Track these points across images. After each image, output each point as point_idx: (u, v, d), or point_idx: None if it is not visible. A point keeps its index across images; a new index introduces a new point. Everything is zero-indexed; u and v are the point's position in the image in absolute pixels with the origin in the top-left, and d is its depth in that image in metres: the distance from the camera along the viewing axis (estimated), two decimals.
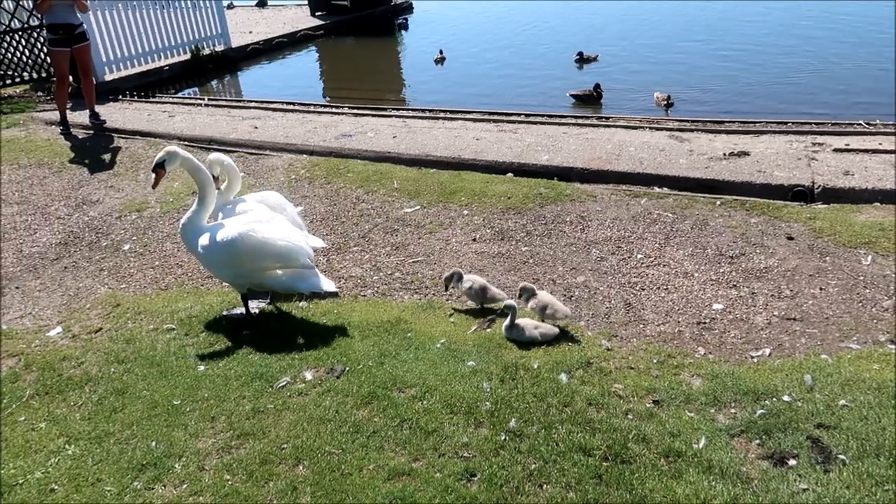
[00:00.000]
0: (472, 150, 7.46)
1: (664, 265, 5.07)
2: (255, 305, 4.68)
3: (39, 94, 11.33)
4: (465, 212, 6.16)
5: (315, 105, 10.23)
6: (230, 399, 3.69)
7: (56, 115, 9.58)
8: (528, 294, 4.29)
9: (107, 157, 8.36)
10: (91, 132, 9.32)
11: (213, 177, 4.92)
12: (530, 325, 4.14)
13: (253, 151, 8.14)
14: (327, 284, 4.32)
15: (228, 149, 8.14)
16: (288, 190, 6.83)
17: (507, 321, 4.15)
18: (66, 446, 3.44)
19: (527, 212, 6.04)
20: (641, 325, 4.37)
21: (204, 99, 11.03)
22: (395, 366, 3.88)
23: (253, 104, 10.47)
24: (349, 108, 9.83)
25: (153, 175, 4.37)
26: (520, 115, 8.81)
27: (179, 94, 12.09)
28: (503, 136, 7.91)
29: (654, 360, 3.92)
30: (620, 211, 5.94)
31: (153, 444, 3.39)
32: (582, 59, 12.50)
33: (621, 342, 4.19)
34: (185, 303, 4.94)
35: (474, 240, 5.68)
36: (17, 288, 5.47)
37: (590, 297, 4.73)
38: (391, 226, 6.03)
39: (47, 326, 4.84)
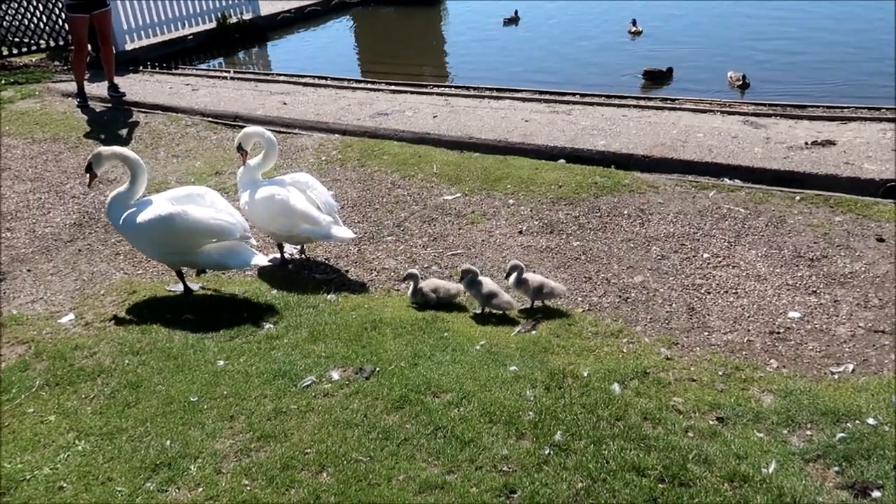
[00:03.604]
0: (520, 133, 7.42)
1: (734, 266, 4.98)
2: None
3: (56, 63, 11.64)
4: (511, 201, 6.13)
5: (349, 80, 10.30)
6: (251, 398, 3.75)
7: (73, 87, 9.82)
8: (518, 273, 4.52)
9: (125, 132, 8.56)
10: (109, 105, 9.55)
11: (243, 150, 5.25)
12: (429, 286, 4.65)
13: (281, 129, 8.23)
14: (259, 259, 4.81)
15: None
16: (318, 172, 6.91)
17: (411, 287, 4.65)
18: (77, 441, 3.54)
19: (580, 203, 6.00)
20: (706, 333, 4.31)
21: (230, 71, 11.20)
22: (430, 368, 3.89)
23: (282, 78, 10.58)
24: (386, 84, 9.87)
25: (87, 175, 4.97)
26: (574, 94, 8.73)
27: (203, 66, 12.29)
28: (555, 118, 7.85)
29: (720, 373, 3.86)
30: (685, 204, 5.85)
31: (168, 442, 3.46)
32: (634, 31, 12.38)
33: (682, 351, 4.14)
34: (206, 292, 5.03)
35: (520, 232, 5.66)
36: (28, 271, 5.64)
37: (648, 300, 4.68)
38: (429, 214, 6.04)
39: (59, 312, 4.99)
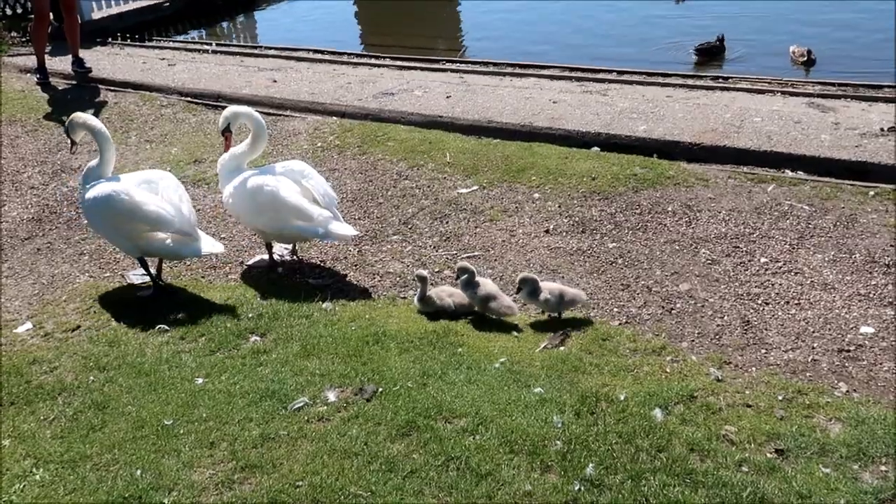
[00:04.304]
0: (547, 116, 7.41)
1: (796, 273, 4.96)
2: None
3: (13, 34, 11.74)
4: (537, 195, 6.13)
5: (349, 54, 10.32)
6: (234, 421, 3.76)
7: (32, 61, 9.90)
8: (529, 287, 4.57)
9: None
10: (73, 82, 9.63)
11: (229, 132, 5.33)
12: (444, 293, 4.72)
13: (270, 111, 8.26)
14: (210, 246, 5.01)
15: None
16: (312, 161, 6.93)
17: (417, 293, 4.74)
18: (34, 470, 3.55)
19: (616, 197, 5.99)
20: (763, 351, 4.29)
21: (211, 44, 11.26)
22: (441, 389, 3.89)
23: (272, 52, 10.63)
24: (392, 58, 9.89)
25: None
26: (610, 71, 8.71)
27: (181, 38, 12.38)
28: (588, 99, 7.83)
29: (779, 397, 3.84)
30: (740, 200, 5.82)
31: (138, 472, 3.47)
32: None
33: (736, 371, 4.12)
34: (183, 298, 5.05)
35: (547, 231, 5.65)
36: None
37: (695, 311, 4.66)
38: (441, 210, 6.04)
39: (15, 321, 5.02)
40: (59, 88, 9.45)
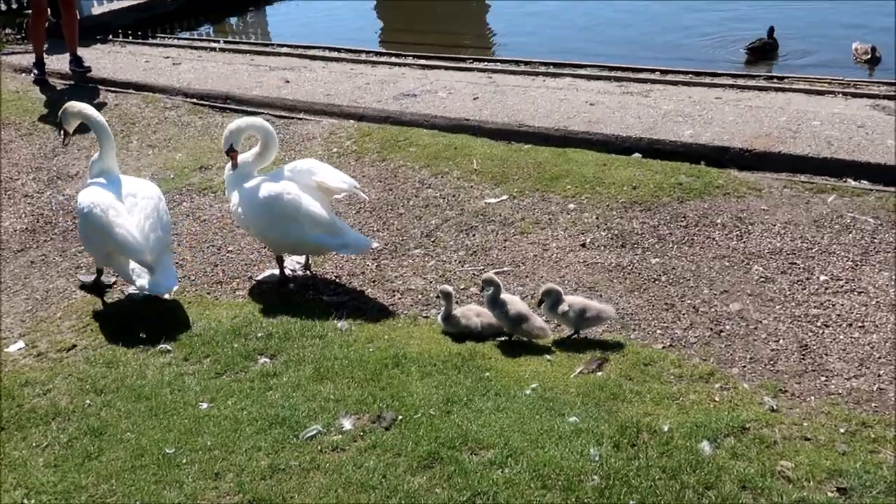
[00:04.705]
0: (583, 120, 7.41)
1: (860, 292, 4.90)
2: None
3: (7, 30, 11.93)
4: (572, 206, 6.12)
5: (368, 52, 10.39)
6: (241, 450, 3.77)
7: (28, 60, 10.04)
8: (552, 299, 4.57)
9: None
10: (71, 82, 9.76)
11: (231, 150, 5.30)
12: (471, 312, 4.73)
13: (282, 114, 8.33)
14: (170, 289, 5.10)
15: (250, 109, 8.37)
16: None
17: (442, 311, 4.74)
18: (25, 501, 3.57)
19: (659, 208, 5.96)
20: (823, 378, 4.24)
21: (219, 41, 11.38)
22: (467, 417, 3.88)
23: (284, 50, 10.72)
24: (414, 57, 9.93)
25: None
26: (653, 71, 8.70)
27: (187, 35, 12.50)
28: (628, 101, 7.82)
29: (842, 430, 3.79)
30: (796, 212, 5.78)
31: None
32: None
33: (792, 400, 4.07)
34: (186, 316, 5.09)
35: (583, 245, 5.64)
36: None
37: (747, 334, 4.62)
38: (467, 222, 6.05)
39: (6, 339, 5.08)
40: (57, 89, 9.57)
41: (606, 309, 4.65)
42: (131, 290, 5.39)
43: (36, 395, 4.39)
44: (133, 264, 5.02)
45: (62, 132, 5.60)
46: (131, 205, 5.10)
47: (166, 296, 5.29)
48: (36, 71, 9.73)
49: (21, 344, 4.99)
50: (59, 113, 5.49)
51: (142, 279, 4.99)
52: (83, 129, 5.80)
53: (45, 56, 9.90)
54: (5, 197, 7.14)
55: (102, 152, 5.32)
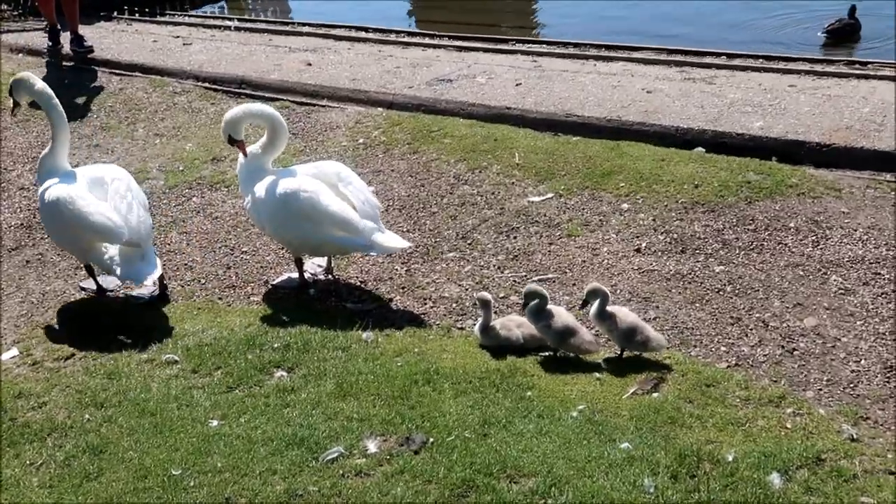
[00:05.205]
0: (639, 109, 7.38)
1: None
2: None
3: (4, 6, 12.10)
4: (626, 205, 6.10)
5: (398, 32, 10.42)
6: (254, 473, 3.79)
7: (25, 38, 10.16)
8: (600, 302, 4.57)
9: (92, 101, 8.84)
10: (72, 63, 9.86)
11: (234, 140, 5.38)
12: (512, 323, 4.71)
13: (303, 100, 8.38)
14: (150, 276, 5.16)
15: (267, 95, 8.43)
16: (352, 161, 7.00)
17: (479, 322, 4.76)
18: None
19: (725, 210, 5.92)
20: None
21: (234, 20, 11.48)
22: (506, 441, 3.87)
23: (306, 29, 10.79)
24: (450, 38, 9.95)
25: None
26: (718, 55, 8.64)
27: (199, 11, 12.62)
28: (690, 88, 7.77)
29: None
30: (881, 215, 5.73)
31: None
32: None
33: (875, 429, 4.02)
34: (195, 323, 5.13)
35: (638, 250, 5.62)
36: None
37: (824, 353, 4.58)
38: (507, 222, 6.05)
39: None
40: (56, 72, 9.67)
41: (657, 338, 4.59)
42: (137, 292, 5.50)
43: (31, 408, 4.44)
44: (112, 254, 5.17)
45: (12, 102, 5.67)
46: (100, 190, 5.27)
47: (148, 286, 5.42)
48: (50, 43, 9.83)
49: (15, 351, 5.05)
50: (12, 81, 5.57)
51: (118, 269, 5.16)
52: (89, 115, 5.91)
53: (39, 35, 9.96)
54: None
55: (55, 144, 5.41)
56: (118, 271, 5.16)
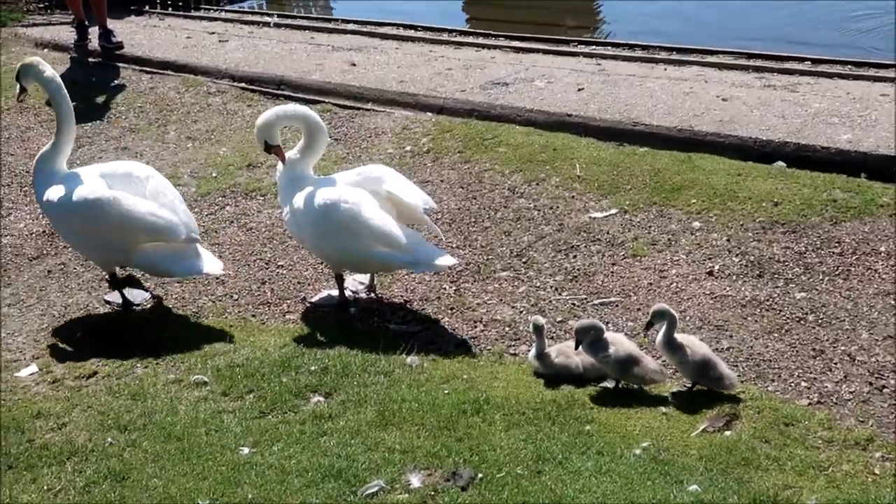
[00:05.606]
0: (713, 118, 7.34)
1: None
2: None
3: None
4: (697, 224, 6.06)
5: (450, 31, 10.45)
6: None
7: (51, 32, 10.32)
8: (667, 328, 4.50)
9: (120, 101, 8.98)
10: (99, 60, 10.02)
11: (270, 146, 5.45)
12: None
13: (346, 103, 8.43)
14: (210, 265, 5.38)
15: (308, 97, 8.50)
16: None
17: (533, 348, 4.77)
18: None
19: (807, 230, 5.87)
20: None
21: (273, 15, 11.59)
22: (562, 479, 3.84)
23: (350, 26, 10.87)
24: (507, 38, 9.97)
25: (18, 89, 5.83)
26: (802, 59, 8.59)
27: (236, 7, 12.76)
28: (770, 97, 7.72)
29: None
30: None
31: None
32: None
33: None
34: (226, 342, 5.17)
35: (710, 273, 5.58)
36: None
37: None
38: (566, 240, 6.04)
39: (17, 362, 5.23)
40: (82, 69, 9.83)
41: (730, 377, 4.52)
42: (110, 298, 5.66)
43: (50, 429, 4.48)
44: (160, 253, 5.34)
45: (19, 87, 5.79)
46: (128, 188, 5.39)
47: (143, 293, 5.68)
48: (77, 37, 9.99)
49: (34, 368, 5.12)
50: (20, 66, 5.73)
51: (174, 267, 5.39)
52: (117, 115, 5.99)
53: (66, 29, 10.13)
54: (21, 193, 7.38)
55: (57, 142, 5.53)
56: (174, 268, 5.39)
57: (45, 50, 10.35)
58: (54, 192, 5.39)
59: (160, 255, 5.38)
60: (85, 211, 5.26)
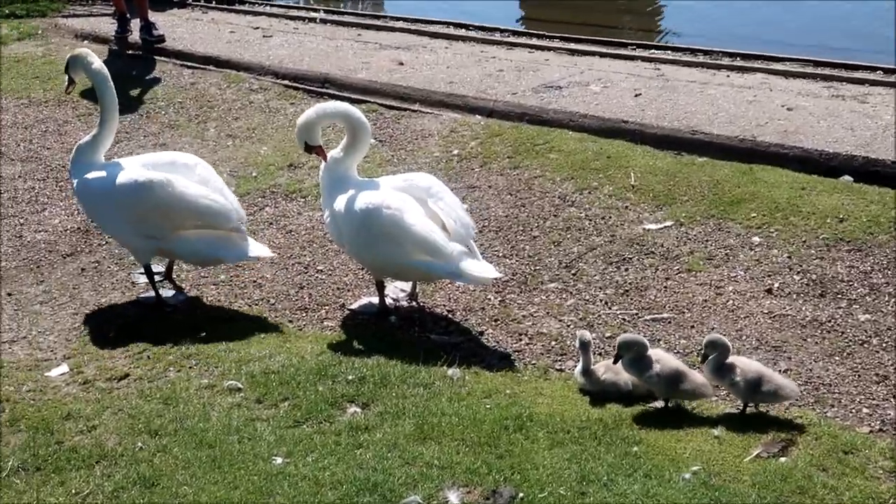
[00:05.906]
0: (777, 129, 7.30)
1: None
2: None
3: None
4: (757, 239, 6.03)
5: (503, 31, 10.47)
6: None
7: (92, 24, 10.47)
8: (718, 355, 4.49)
9: (161, 95, 9.09)
10: (140, 53, 10.17)
11: (310, 147, 5.47)
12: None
13: (392, 104, 8.47)
14: (257, 249, 5.63)
15: (353, 96, 8.54)
16: (445, 174, 7.06)
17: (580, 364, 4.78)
18: None
19: (874, 249, 5.82)
20: None
21: (319, 11, 11.70)
22: (606, 501, 3.83)
23: (399, 24, 10.94)
24: (561, 39, 9.98)
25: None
26: (873, 69, 8.54)
27: (282, 1, 12.85)
28: (838, 107, 7.66)
29: None
30: None
31: None
32: None
33: None
34: (262, 348, 5.21)
35: (769, 291, 5.55)
36: (8, 294, 6.07)
37: None
38: (618, 252, 6.03)
39: (48, 361, 5.30)
40: (122, 62, 9.94)
41: (788, 386, 4.52)
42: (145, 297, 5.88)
43: (79, 431, 4.54)
44: (205, 240, 5.57)
45: (67, 79, 6.00)
46: (180, 173, 5.55)
47: (176, 294, 5.88)
48: (118, 29, 10.12)
49: (65, 368, 5.18)
50: (69, 57, 5.90)
51: (223, 252, 5.60)
52: (157, 110, 6.06)
53: (106, 21, 10.26)
54: (56, 189, 7.48)
55: (100, 132, 5.68)
56: (221, 254, 5.60)
57: (85, 42, 10.49)
58: (95, 176, 5.54)
59: (204, 242, 5.55)
60: (131, 193, 5.40)
